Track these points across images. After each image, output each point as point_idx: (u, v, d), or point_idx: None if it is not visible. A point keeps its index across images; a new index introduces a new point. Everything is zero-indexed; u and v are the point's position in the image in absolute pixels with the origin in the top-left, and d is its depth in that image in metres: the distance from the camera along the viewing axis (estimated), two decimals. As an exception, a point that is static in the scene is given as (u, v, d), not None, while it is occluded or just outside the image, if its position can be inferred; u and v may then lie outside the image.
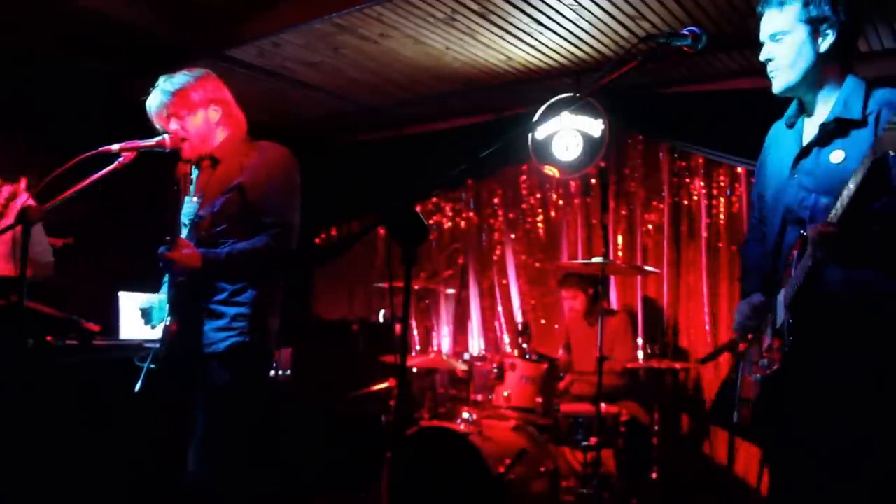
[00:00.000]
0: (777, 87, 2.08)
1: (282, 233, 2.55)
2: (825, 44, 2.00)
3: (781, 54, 2.03)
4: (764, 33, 2.07)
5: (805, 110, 2.13)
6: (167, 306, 2.58)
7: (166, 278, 2.70)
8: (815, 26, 1.99)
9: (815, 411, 1.97)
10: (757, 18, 2.11)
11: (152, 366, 2.51)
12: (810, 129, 2.10)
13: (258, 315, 2.56)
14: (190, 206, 2.67)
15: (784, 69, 2.04)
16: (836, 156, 1.97)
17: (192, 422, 2.55)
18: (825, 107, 2.05)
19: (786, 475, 2.12)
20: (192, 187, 2.71)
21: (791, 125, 2.17)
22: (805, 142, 2.09)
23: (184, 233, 2.64)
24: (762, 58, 2.08)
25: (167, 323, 2.55)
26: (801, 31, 2.00)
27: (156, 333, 2.60)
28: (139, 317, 2.65)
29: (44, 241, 3.76)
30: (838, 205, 1.78)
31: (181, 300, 2.56)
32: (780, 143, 2.21)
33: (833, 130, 1.99)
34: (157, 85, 2.63)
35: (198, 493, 2.51)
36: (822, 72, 2.03)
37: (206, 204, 2.58)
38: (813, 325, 1.93)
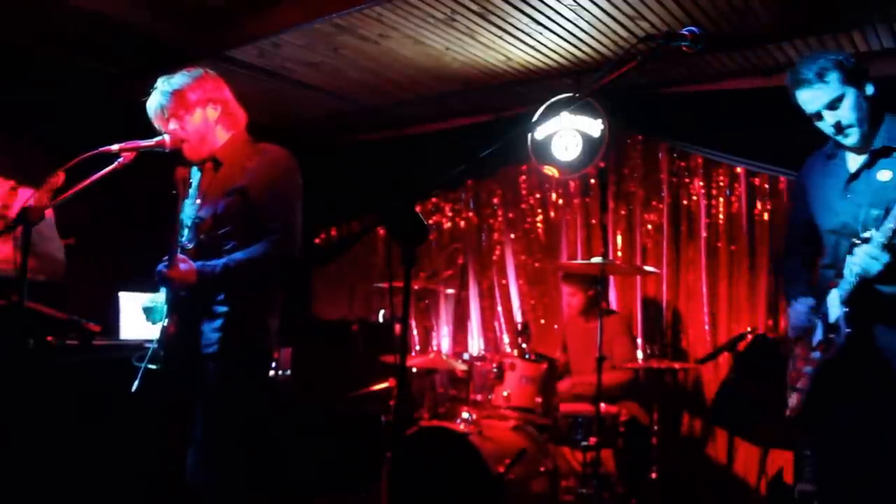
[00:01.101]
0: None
1: (283, 237, 2.55)
2: (869, 90, 2.40)
3: (847, 115, 2.38)
4: (815, 105, 2.40)
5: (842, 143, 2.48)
6: (166, 307, 2.58)
7: None
8: (857, 82, 2.37)
9: (870, 392, 2.31)
10: (790, 92, 2.45)
11: (150, 366, 2.52)
12: (854, 157, 2.48)
13: (257, 315, 2.57)
14: (191, 207, 2.67)
15: (856, 125, 2.39)
16: (884, 175, 2.37)
17: (191, 421, 2.56)
18: (870, 138, 2.42)
19: (835, 457, 2.44)
20: (193, 189, 2.71)
21: (832, 156, 2.55)
22: (851, 167, 2.47)
23: (185, 234, 2.64)
24: (830, 123, 2.41)
25: (165, 324, 2.55)
26: (851, 92, 2.37)
27: (155, 333, 2.61)
28: (142, 315, 2.65)
29: (56, 238, 3.80)
30: (888, 224, 2.17)
31: (179, 302, 2.56)
32: (823, 171, 2.58)
33: (878, 155, 2.39)
34: (155, 86, 2.64)
35: (198, 492, 2.51)
36: (872, 113, 2.41)
37: (207, 205, 2.59)
38: (867, 315, 2.30)
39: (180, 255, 2.48)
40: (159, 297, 2.64)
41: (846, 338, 2.29)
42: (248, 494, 2.60)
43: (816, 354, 2.41)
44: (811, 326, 2.49)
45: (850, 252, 2.32)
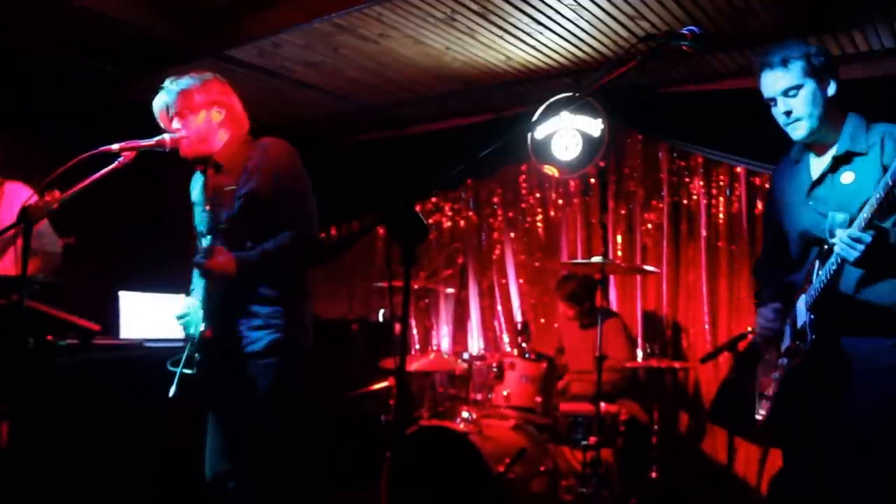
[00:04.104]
0: (801, 134, 2.35)
1: (302, 227, 2.59)
2: (830, 90, 2.33)
3: (800, 106, 2.32)
4: (773, 90, 2.35)
5: (812, 148, 2.43)
6: (201, 312, 2.58)
7: (195, 282, 2.72)
8: (819, 77, 2.31)
9: (835, 397, 2.24)
10: (755, 73, 2.40)
11: (186, 370, 2.52)
12: (817, 162, 2.41)
13: (293, 312, 2.59)
14: (201, 214, 2.67)
15: (805, 118, 2.33)
16: (847, 177, 2.31)
17: (235, 420, 2.58)
18: (832, 141, 2.36)
19: (801, 464, 2.37)
20: (199, 195, 2.71)
21: (798, 161, 2.48)
22: (814, 173, 2.40)
23: (204, 243, 2.63)
24: (781, 111, 2.35)
25: (202, 329, 2.55)
26: (811, 84, 2.31)
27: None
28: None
29: (50, 232, 3.79)
30: (863, 215, 2.07)
31: (216, 306, 2.57)
32: (789, 176, 2.52)
33: (840, 160, 2.33)
34: (163, 85, 2.65)
35: (243, 492, 2.54)
36: (830, 113, 2.34)
37: (222, 208, 2.59)
38: (833, 322, 2.24)
39: (219, 248, 2.49)
40: (191, 304, 2.64)
41: (811, 344, 2.24)
42: (295, 489, 2.63)
43: (784, 361, 2.37)
44: (778, 328, 2.46)
45: (818, 257, 2.29)
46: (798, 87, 2.31)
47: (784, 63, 2.30)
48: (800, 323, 2.32)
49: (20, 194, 3.54)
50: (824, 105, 2.32)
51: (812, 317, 2.26)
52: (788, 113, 2.34)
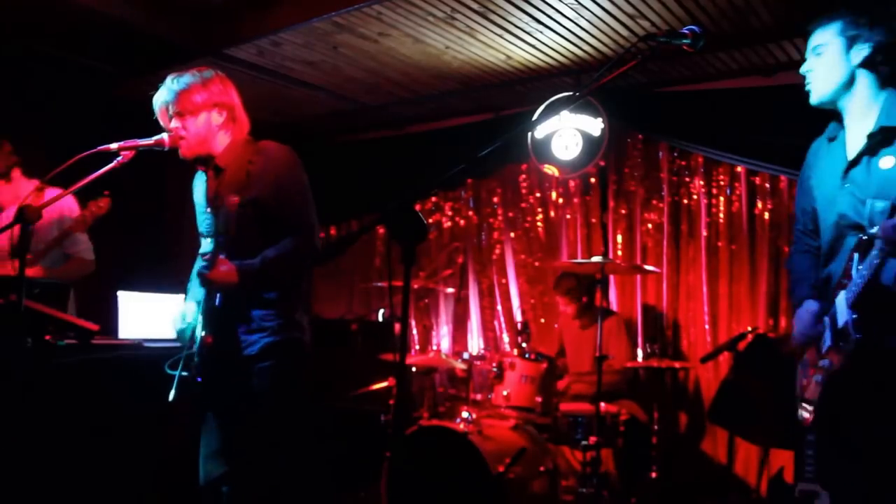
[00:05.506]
0: (813, 97, 2.25)
1: (304, 234, 2.58)
2: (858, 57, 2.17)
3: (818, 66, 2.22)
4: (808, 50, 2.25)
5: (843, 124, 2.26)
6: (200, 318, 2.57)
7: (189, 287, 2.72)
8: (850, 41, 2.17)
9: (882, 403, 2.05)
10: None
11: (185, 373, 2.51)
12: (853, 140, 2.22)
13: (286, 313, 2.59)
14: (203, 216, 2.66)
15: (818, 80, 2.22)
16: (886, 162, 2.11)
17: (234, 424, 2.58)
18: (867, 118, 2.18)
19: (846, 471, 2.17)
20: (202, 197, 2.70)
21: (833, 139, 2.30)
22: (850, 153, 2.21)
23: (204, 244, 2.62)
24: (802, 71, 2.25)
25: (202, 335, 2.55)
26: (837, 44, 2.18)
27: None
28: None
29: (86, 238, 3.84)
30: None
31: (214, 313, 2.56)
32: (824, 156, 2.34)
33: (880, 140, 2.14)
34: (164, 83, 2.63)
35: (239, 495, 2.55)
36: (859, 84, 2.19)
37: (223, 215, 2.58)
38: (878, 321, 2.04)
39: (222, 258, 2.49)
40: (189, 309, 2.63)
41: (855, 345, 2.03)
42: (300, 493, 2.62)
43: (825, 363, 2.17)
44: (819, 333, 2.23)
45: (857, 248, 2.08)
46: (824, 46, 2.20)
47: (826, 22, 2.21)
48: (841, 321, 2.11)
49: (61, 201, 3.53)
50: (847, 72, 2.19)
51: (855, 315, 2.05)
52: (807, 74, 2.24)
